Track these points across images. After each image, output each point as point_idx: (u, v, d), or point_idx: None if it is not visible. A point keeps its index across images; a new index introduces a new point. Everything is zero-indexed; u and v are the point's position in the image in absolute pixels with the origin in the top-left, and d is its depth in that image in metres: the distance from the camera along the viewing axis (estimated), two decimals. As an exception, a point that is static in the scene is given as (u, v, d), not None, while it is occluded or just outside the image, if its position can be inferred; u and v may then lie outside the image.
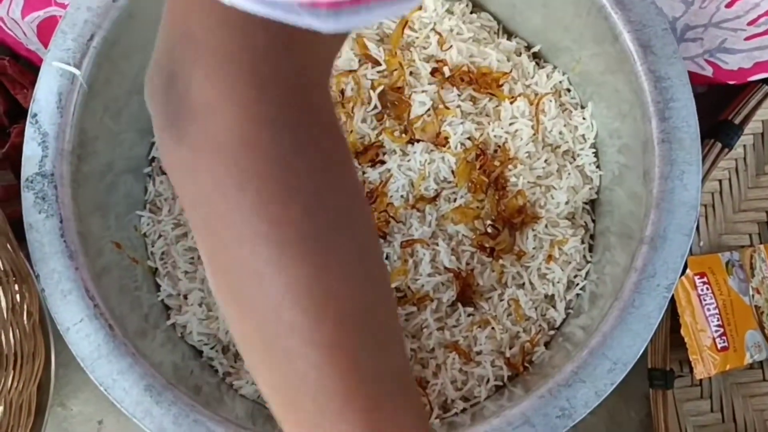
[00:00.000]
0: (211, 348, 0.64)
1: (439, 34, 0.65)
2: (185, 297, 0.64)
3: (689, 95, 0.52)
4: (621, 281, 0.56)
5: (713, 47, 0.63)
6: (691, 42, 0.63)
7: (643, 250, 0.51)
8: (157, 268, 0.64)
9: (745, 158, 0.72)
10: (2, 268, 0.51)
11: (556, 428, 0.49)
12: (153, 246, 0.65)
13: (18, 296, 0.52)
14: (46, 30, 0.65)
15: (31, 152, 0.53)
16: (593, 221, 0.66)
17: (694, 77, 0.64)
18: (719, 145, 0.66)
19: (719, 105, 0.70)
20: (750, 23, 0.65)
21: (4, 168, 0.66)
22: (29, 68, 0.69)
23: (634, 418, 0.68)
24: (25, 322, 0.52)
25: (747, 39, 0.65)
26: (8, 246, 0.53)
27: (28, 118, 0.53)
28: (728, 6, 0.62)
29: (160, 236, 0.65)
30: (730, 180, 0.72)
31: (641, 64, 0.54)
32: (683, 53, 0.63)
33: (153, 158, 0.67)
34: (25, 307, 0.52)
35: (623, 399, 0.68)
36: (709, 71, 0.65)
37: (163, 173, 0.67)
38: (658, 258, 0.50)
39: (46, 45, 0.66)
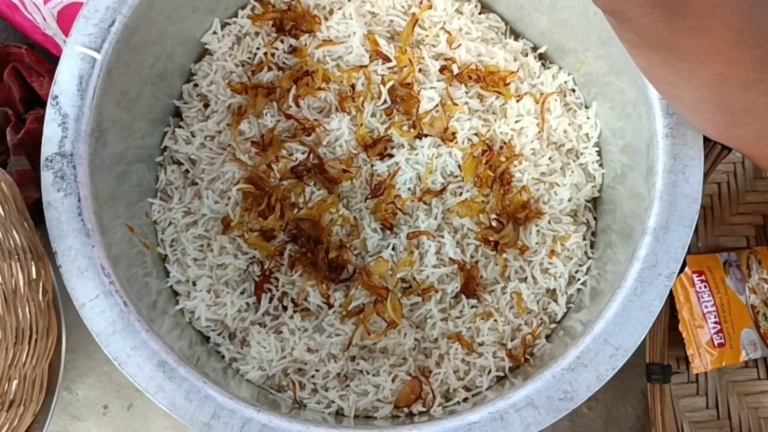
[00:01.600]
0: (218, 334, 0.65)
1: (449, 32, 0.67)
2: (194, 283, 0.64)
3: (692, 93, 0.54)
4: (621, 273, 0.57)
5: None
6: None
7: (645, 241, 0.52)
8: (166, 255, 0.65)
9: (743, 162, 0.74)
10: (20, 245, 0.52)
11: (558, 410, 0.50)
12: (163, 233, 0.66)
13: (34, 273, 0.53)
14: (65, 17, 0.66)
15: (51, 133, 0.54)
16: (595, 219, 0.67)
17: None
18: (719, 147, 0.67)
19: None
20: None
21: (19, 154, 0.67)
22: (46, 57, 0.70)
23: (631, 413, 0.70)
24: (41, 298, 0.53)
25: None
26: (25, 224, 0.54)
27: (49, 100, 0.54)
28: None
29: (170, 224, 0.66)
30: (728, 183, 0.74)
31: (646, 62, 0.55)
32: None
33: (165, 147, 0.68)
34: (41, 284, 0.53)
35: (621, 395, 0.70)
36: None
37: (175, 162, 0.68)
38: (660, 248, 0.52)
39: (64, 30, 0.68)
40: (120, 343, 0.51)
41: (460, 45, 0.67)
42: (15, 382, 0.51)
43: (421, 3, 0.68)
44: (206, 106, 0.68)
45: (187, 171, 0.67)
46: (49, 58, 0.70)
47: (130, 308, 0.52)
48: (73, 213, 0.53)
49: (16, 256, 0.51)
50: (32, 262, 0.53)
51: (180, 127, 0.68)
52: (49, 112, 0.54)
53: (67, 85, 0.55)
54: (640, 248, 0.52)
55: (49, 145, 0.54)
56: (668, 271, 0.51)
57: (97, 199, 0.56)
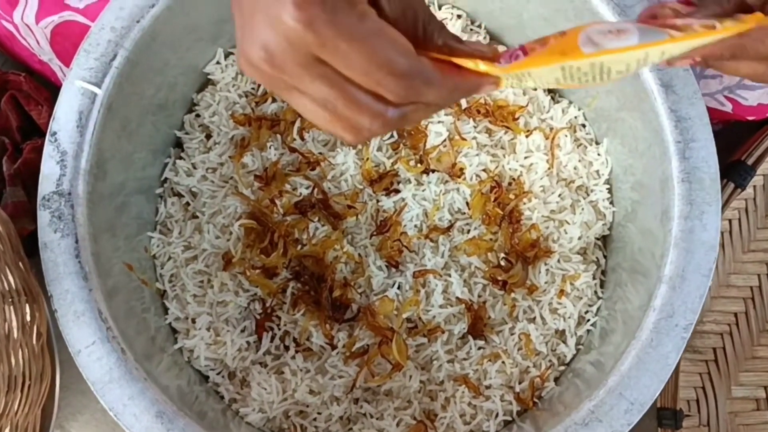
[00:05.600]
0: (218, 373, 0.63)
1: (457, 65, 0.66)
2: (193, 321, 0.63)
3: (709, 135, 0.53)
4: (634, 319, 0.56)
5: (732, 84, 0.63)
6: (710, 79, 0.63)
7: (661, 290, 0.51)
8: (165, 291, 0.64)
9: (755, 199, 0.73)
10: (14, 287, 0.50)
11: (572, 467, 0.49)
12: (162, 268, 0.64)
13: (28, 316, 0.51)
14: (59, 37, 0.64)
15: (49, 171, 0.52)
16: (605, 257, 0.66)
17: (713, 113, 0.65)
18: (732, 185, 0.66)
19: (732, 145, 0.70)
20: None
21: (15, 184, 0.65)
22: (43, 83, 0.68)
23: (641, 456, 0.68)
24: (34, 342, 0.51)
25: None
26: (20, 264, 0.52)
27: (47, 136, 0.53)
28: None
29: (169, 258, 0.64)
30: (740, 220, 0.72)
31: (662, 102, 0.54)
32: (703, 89, 0.63)
33: (165, 179, 0.66)
34: (35, 328, 0.51)
35: (630, 437, 0.68)
36: (728, 107, 0.66)
37: (175, 195, 0.66)
38: (676, 298, 0.50)
39: (58, 54, 0.66)
40: (117, 392, 0.49)
41: (468, 78, 0.65)
42: (6, 430, 0.49)
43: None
44: (208, 137, 0.67)
45: (187, 204, 0.66)
46: (47, 86, 0.69)
47: (127, 355, 0.50)
48: (70, 255, 0.51)
49: (10, 299, 0.49)
50: (26, 304, 0.51)
51: (181, 158, 0.66)
52: (48, 149, 0.53)
53: (66, 121, 0.53)
54: (656, 297, 0.51)
55: (46, 184, 0.52)
56: (685, 322, 0.49)
57: (95, 239, 0.54)
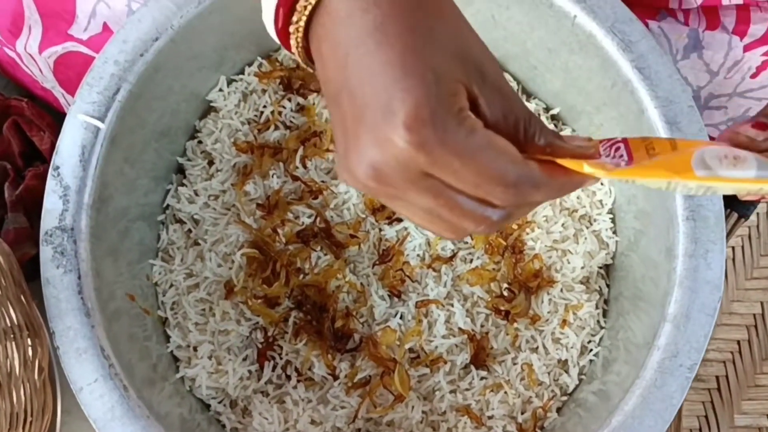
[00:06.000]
0: (219, 402, 0.63)
1: (461, 93, 0.65)
2: (195, 349, 0.62)
3: (714, 173, 0.52)
4: (637, 350, 0.56)
5: (737, 115, 0.63)
6: (715, 110, 0.63)
7: (665, 329, 0.51)
8: (167, 318, 0.64)
9: (758, 226, 0.73)
10: (16, 323, 0.50)
11: None
12: (164, 295, 0.64)
13: (30, 350, 0.51)
14: (62, 67, 0.64)
15: (52, 205, 0.52)
16: (607, 286, 0.65)
17: (716, 145, 0.64)
18: (735, 216, 0.66)
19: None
20: (775, 91, 0.65)
21: (17, 211, 0.65)
22: (46, 109, 0.68)
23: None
24: (36, 377, 0.51)
25: (772, 107, 0.65)
26: (22, 298, 0.52)
27: (50, 171, 0.53)
28: (753, 77, 0.62)
29: (171, 285, 0.64)
30: (743, 247, 0.72)
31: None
32: (706, 120, 0.63)
33: (167, 206, 0.66)
34: (37, 362, 0.51)
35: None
36: (731, 139, 0.65)
37: (177, 221, 0.66)
38: (681, 337, 0.50)
39: (61, 83, 0.66)
40: (119, 430, 0.49)
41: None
42: (8, 469, 0.49)
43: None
44: (210, 164, 0.66)
45: (189, 231, 0.65)
46: (50, 111, 0.68)
47: (130, 392, 0.50)
48: (73, 291, 0.51)
49: (12, 335, 0.49)
50: (28, 339, 0.51)
51: (183, 185, 0.66)
52: (50, 184, 0.52)
53: (68, 156, 0.53)
54: (660, 336, 0.51)
55: (49, 218, 0.52)
56: (689, 362, 0.49)
57: (98, 271, 0.54)
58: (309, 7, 0.33)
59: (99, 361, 0.50)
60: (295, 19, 0.34)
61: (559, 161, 0.33)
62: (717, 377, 0.70)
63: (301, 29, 0.34)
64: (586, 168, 0.33)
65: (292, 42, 0.35)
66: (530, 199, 0.33)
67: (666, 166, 0.32)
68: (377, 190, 0.33)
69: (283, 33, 0.35)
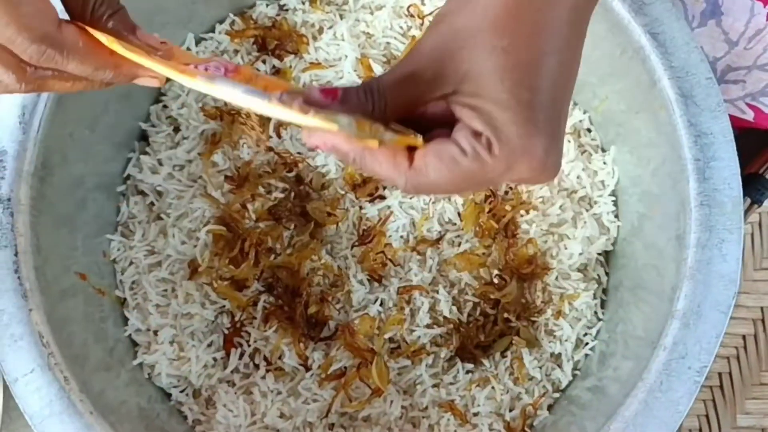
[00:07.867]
0: (181, 391, 0.59)
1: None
2: (155, 333, 0.58)
3: (733, 154, 0.47)
4: (637, 344, 0.53)
5: (756, 90, 0.58)
6: (732, 84, 0.58)
7: (673, 326, 0.46)
8: (125, 299, 0.59)
9: (769, 213, 0.68)
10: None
11: None
12: (123, 274, 0.59)
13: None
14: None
15: (-14, 173, 0.46)
16: (606, 274, 0.61)
17: (733, 121, 0.60)
18: (748, 201, 0.61)
19: (746, 155, 0.65)
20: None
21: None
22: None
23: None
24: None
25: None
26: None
27: (-15, 133, 0.47)
28: (776, 48, 0.57)
29: (131, 263, 0.59)
30: (752, 235, 0.68)
31: (680, 115, 0.48)
32: (723, 95, 0.58)
33: (128, 176, 0.61)
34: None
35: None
36: (749, 115, 0.60)
37: (138, 193, 0.61)
38: (690, 336, 0.45)
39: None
40: (57, 427, 0.44)
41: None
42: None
43: (422, 25, 0.61)
44: (176, 130, 0.62)
45: (152, 204, 0.61)
46: None
47: (72, 385, 0.45)
48: (8, 269, 0.46)
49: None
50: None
51: (146, 153, 0.61)
52: (-16, 148, 0.47)
53: (6, 117, 0.47)
54: (667, 334, 0.46)
55: (-18, 188, 0.46)
56: (699, 365, 0.45)
57: (41, 245, 0.49)
58: None
59: (37, 349, 0.45)
60: None
61: (103, 38, 0.35)
62: (719, 374, 0.66)
63: None
64: (118, 48, 0.34)
65: None
66: (61, 65, 0.34)
67: (178, 69, 0.34)
68: None
69: None
